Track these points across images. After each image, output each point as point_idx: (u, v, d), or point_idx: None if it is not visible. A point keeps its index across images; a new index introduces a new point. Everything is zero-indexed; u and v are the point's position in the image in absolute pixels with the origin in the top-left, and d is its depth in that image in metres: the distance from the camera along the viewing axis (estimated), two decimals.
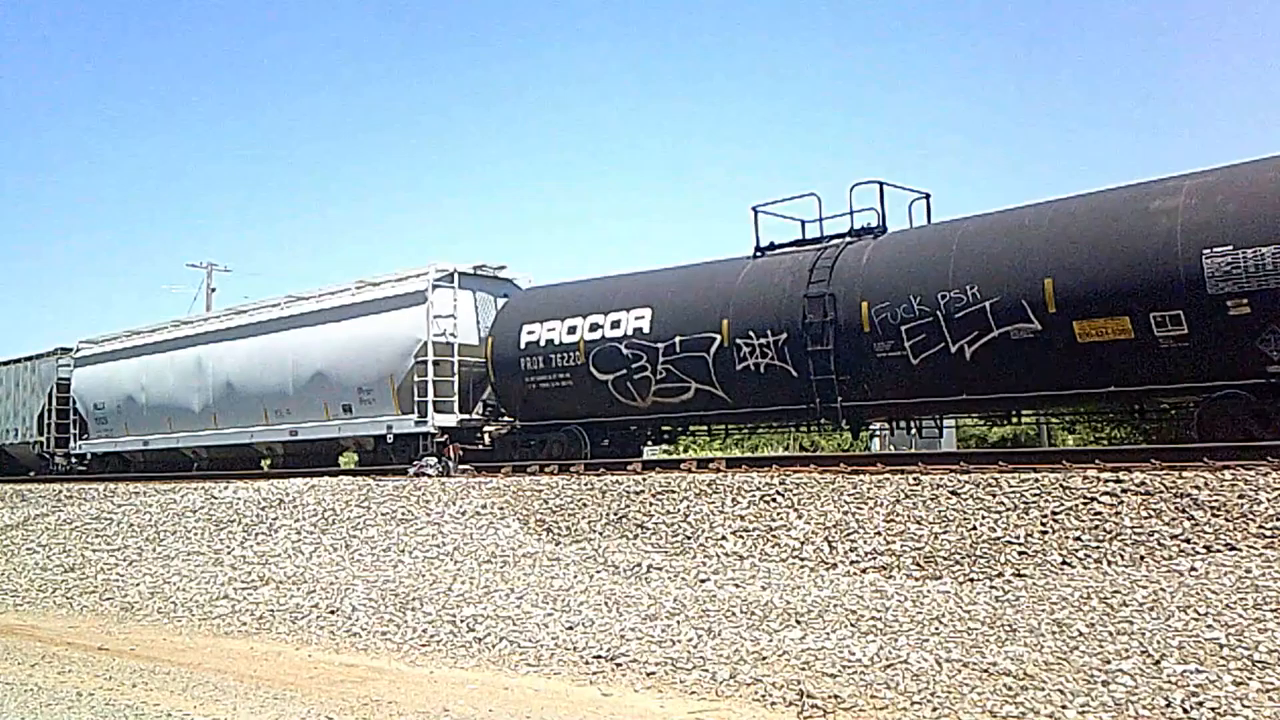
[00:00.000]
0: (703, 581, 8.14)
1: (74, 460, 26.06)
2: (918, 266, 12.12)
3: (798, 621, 6.56)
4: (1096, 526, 7.94)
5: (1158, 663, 5.08)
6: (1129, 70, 71.79)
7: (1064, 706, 4.64)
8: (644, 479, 11.52)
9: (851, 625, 6.37)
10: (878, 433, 16.27)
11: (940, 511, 8.75)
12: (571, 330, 15.20)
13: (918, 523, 8.70)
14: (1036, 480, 8.81)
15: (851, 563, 8.41)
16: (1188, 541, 7.47)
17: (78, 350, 25.77)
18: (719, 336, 13.46)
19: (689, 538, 9.63)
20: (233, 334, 20.88)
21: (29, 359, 27.99)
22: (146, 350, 23.35)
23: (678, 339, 13.86)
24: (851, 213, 13.40)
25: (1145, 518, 7.88)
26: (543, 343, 15.50)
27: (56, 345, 27.20)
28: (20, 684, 6.56)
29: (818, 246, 13.41)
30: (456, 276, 17.20)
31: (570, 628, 6.87)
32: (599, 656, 6.15)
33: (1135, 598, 6.30)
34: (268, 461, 22.06)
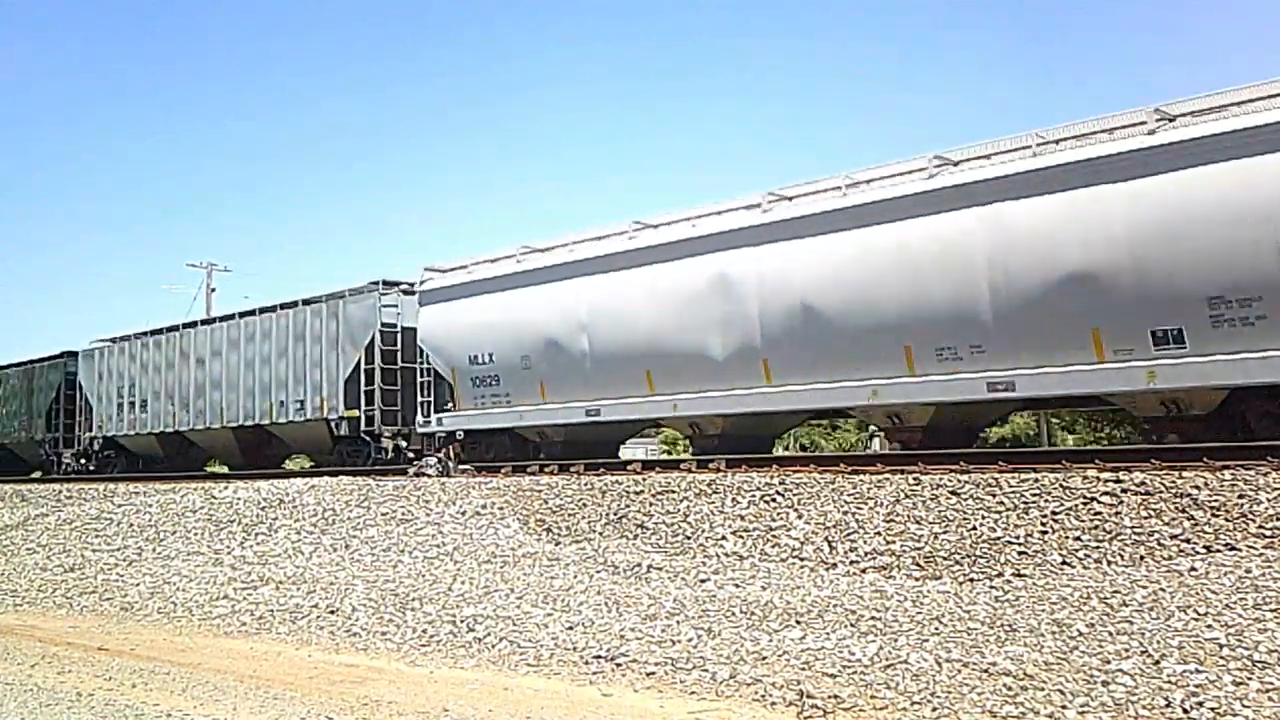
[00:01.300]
0: (703, 581, 8.14)
1: (411, 444, 17.63)
2: None
3: (798, 621, 6.55)
4: (1096, 526, 7.94)
5: (1158, 663, 5.08)
6: None
7: (1064, 706, 4.64)
8: (644, 479, 11.52)
9: (851, 625, 6.37)
10: (877, 432, 15.80)
11: (940, 511, 8.74)
12: None
13: (918, 523, 8.70)
14: (1036, 480, 8.81)
15: (851, 563, 8.40)
16: (1188, 541, 7.47)
17: (423, 282, 17.18)
18: None
19: (689, 538, 9.63)
20: (798, 229, 12.49)
21: (312, 302, 19.24)
22: (570, 271, 14.91)
23: None
24: None
25: (1145, 518, 7.88)
26: None
27: (370, 280, 18.40)
28: (20, 684, 6.56)
29: None
30: None
31: (570, 628, 6.86)
32: (599, 656, 6.14)
33: (1135, 598, 6.30)
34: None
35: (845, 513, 9.20)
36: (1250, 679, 4.76)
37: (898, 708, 4.86)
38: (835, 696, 5.05)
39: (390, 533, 11.46)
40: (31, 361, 27.75)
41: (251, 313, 20.53)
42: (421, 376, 16.98)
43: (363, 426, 17.68)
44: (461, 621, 7.34)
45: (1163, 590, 6.38)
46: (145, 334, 23.53)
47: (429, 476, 14.94)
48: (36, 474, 27.65)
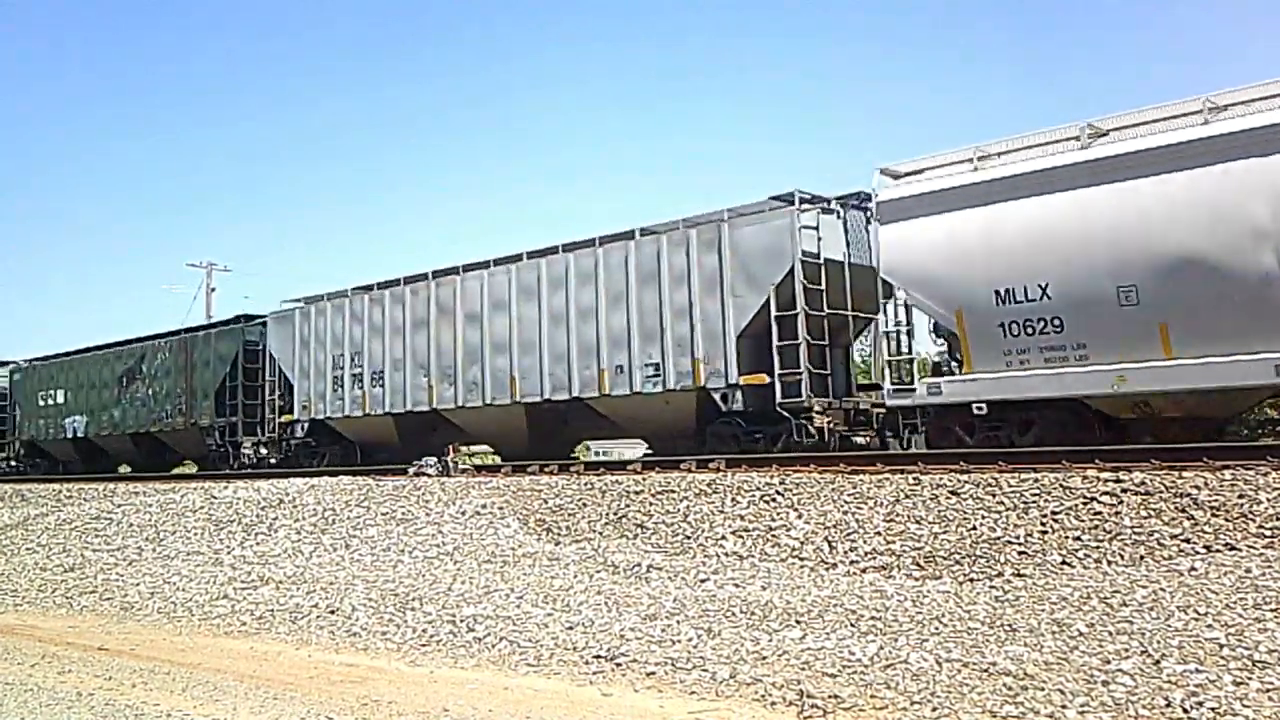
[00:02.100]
0: (703, 581, 8.14)
1: (834, 421, 12.74)
2: None
3: (798, 621, 6.55)
4: (1096, 526, 7.95)
5: (1158, 663, 5.08)
6: None
7: (1064, 706, 4.63)
8: (644, 479, 11.52)
9: (851, 625, 6.37)
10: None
11: (940, 511, 8.75)
12: None
13: (918, 523, 8.70)
14: (1036, 480, 8.81)
15: (851, 563, 8.40)
16: (1188, 541, 7.47)
17: (878, 191, 11.97)
18: None
19: (689, 538, 9.63)
20: None
21: (656, 231, 14.32)
22: (1221, 150, 9.66)
23: None
24: None
25: (1145, 518, 7.88)
26: None
27: (772, 195, 13.18)
28: (20, 684, 6.56)
29: None
30: None
31: (570, 628, 6.86)
32: (599, 656, 6.14)
33: (1135, 598, 6.30)
34: None
35: (845, 513, 9.20)
36: (1250, 679, 4.76)
37: (898, 708, 4.86)
38: (835, 696, 5.05)
39: (390, 533, 11.46)
40: (190, 330, 22.24)
41: (554, 249, 15.31)
42: (887, 325, 12.09)
43: (779, 398, 12.70)
44: (461, 621, 7.34)
45: (1163, 590, 6.38)
46: (376, 286, 18.00)
47: (429, 476, 14.95)
48: (187, 468, 22.48)
